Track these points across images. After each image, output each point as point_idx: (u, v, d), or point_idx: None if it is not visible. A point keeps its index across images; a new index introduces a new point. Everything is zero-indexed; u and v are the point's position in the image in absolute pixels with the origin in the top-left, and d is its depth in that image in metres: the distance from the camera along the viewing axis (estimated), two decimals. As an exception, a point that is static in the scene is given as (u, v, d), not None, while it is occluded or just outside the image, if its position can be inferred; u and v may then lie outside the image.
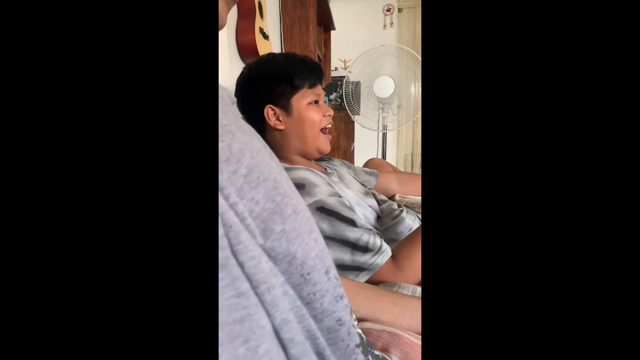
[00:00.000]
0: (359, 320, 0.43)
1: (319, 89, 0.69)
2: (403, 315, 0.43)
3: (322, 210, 0.56)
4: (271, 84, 0.66)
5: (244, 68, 0.70)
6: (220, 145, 0.21)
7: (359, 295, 0.44)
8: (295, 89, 0.66)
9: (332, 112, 0.71)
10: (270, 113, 0.67)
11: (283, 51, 1.68)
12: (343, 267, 0.55)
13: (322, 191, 0.59)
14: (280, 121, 0.67)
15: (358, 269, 0.54)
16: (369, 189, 0.78)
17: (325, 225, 0.56)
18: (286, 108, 0.67)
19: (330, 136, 0.72)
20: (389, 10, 3.11)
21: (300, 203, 0.25)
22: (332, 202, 0.58)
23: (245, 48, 1.19)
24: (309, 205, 0.56)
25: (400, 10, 3.09)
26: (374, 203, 0.70)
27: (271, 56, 0.68)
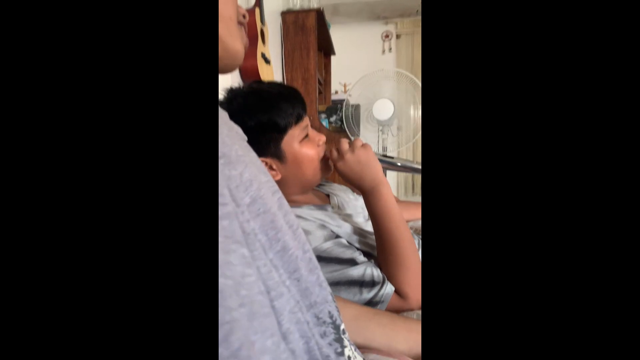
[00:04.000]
0: (371, 349, 0.42)
1: (306, 119, 0.61)
2: (419, 343, 0.42)
3: (320, 259, 0.54)
4: (254, 135, 0.54)
5: None
6: (234, 172, 0.23)
7: (372, 322, 0.43)
8: (282, 132, 0.58)
9: (324, 138, 0.65)
10: None
11: (284, 75, 1.72)
12: None
13: (316, 237, 0.57)
14: (275, 170, 0.60)
15: (372, 304, 0.53)
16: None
17: (328, 272, 0.54)
18: (278, 156, 0.59)
19: (328, 158, 0.65)
20: (387, 36, 3.20)
21: (292, 240, 0.26)
22: (328, 247, 0.56)
23: (248, 72, 1.22)
24: None
25: (398, 36, 3.18)
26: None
27: (241, 100, 0.57)
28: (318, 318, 0.26)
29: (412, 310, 0.54)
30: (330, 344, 0.26)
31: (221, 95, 0.61)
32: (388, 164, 0.69)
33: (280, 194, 0.29)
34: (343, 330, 0.28)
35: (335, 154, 0.61)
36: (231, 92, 0.60)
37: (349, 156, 0.59)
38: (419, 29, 3.09)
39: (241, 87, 0.60)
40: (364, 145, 0.60)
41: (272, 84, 0.60)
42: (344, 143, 0.61)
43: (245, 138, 0.33)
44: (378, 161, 0.60)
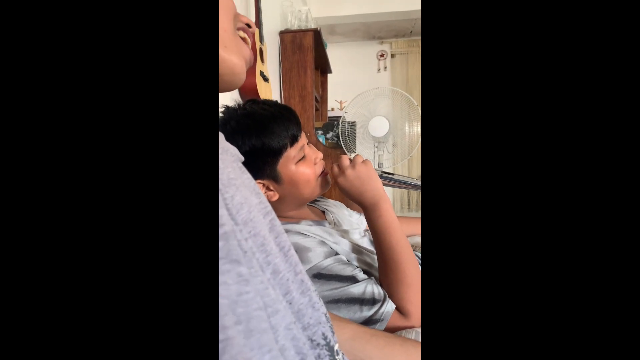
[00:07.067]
0: None
1: (302, 139, 0.61)
2: None
3: (321, 276, 0.55)
4: (248, 159, 0.51)
5: None
6: (226, 195, 0.23)
7: (369, 344, 0.43)
8: (277, 155, 0.57)
9: (321, 155, 0.64)
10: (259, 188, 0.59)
11: (282, 92, 1.75)
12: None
13: (316, 254, 0.56)
14: (272, 191, 0.61)
15: (372, 322, 0.53)
16: (365, 230, 0.77)
17: (328, 290, 0.54)
18: (274, 177, 0.59)
19: (327, 173, 0.65)
20: (382, 55, 3.28)
21: (283, 263, 0.27)
22: (328, 264, 0.56)
23: (247, 90, 1.24)
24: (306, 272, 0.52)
25: (393, 55, 3.26)
26: (370, 247, 0.69)
27: (234, 124, 0.56)
28: (312, 340, 0.26)
29: (413, 327, 0.53)
30: None
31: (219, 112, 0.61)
32: (388, 180, 0.70)
33: (272, 215, 0.29)
34: (337, 351, 0.28)
35: (336, 169, 0.62)
36: (226, 112, 0.60)
37: (349, 172, 0.59)
38: (413, 49, 3.17)
39: (236, 107, 0.60)
40: (364, 162, 0.61)
41: (266, 105, 0.59)
42: (345, 159, 0.61)
43: (241, 159, 0.32)
44: (378, 177, 0.60)
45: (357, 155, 0.62)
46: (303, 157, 0.61)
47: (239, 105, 0.60)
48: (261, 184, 0.60)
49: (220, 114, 0.61)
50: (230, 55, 0.27)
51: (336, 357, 0.27)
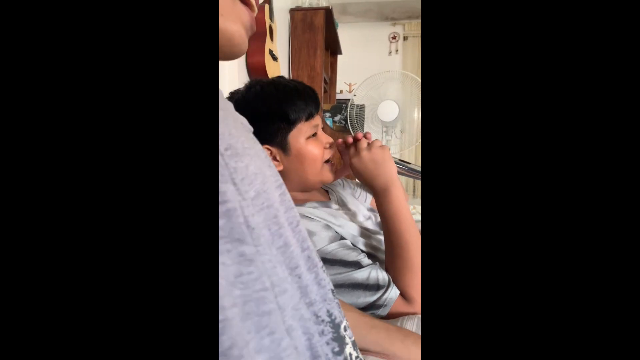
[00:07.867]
0: (368, 352, 0.43)
1: (317, 119, 0.63)
2: None
3: (325, 261, 0.55)
4: (264, 122, 0.58)
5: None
6: (240, 165, 0.22)
7: (369, 335, 0.44)
8: (291, 124, 0.60)
9: (332, 141, 0.66)
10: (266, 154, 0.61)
11: (290, 72, 1.72)
12: (361, 310, 0.54)
13: (321, 239, 0.56)
14: (278, 161, 0.62)
15: (374, 307, 0.53)
16: (368, 209, 0.77)
17: (332, 275, 0.54)
18: (283, 147, 0.61)
19: (333, 164, 0.66)
20: (394, 37, 3.20)
21: (292, 237, 0.26)
22: (332, 249, 0.56)
23: (255, 68, 1.22)
24: None
25: (405, 38, 3.17)
26: (376, 228, 0.69)
27: (259, 88, 0.60)
28: (317, 316, 0.26)
29: (415, 314, 0.54)
30: (327, 343, 0.26)
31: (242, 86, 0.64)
32: (403, 167, 0.69)
33: (283, 188, 0.28)
34: (345, 327, 0.27)
35: (352, 149, 0.62)
36: (253, 80, 0.63)
37: (365, 153, 0.60)
38: (427, 32, 3.08)
39: (263, 78, 0.63)
40: (382, 146, 0.61)
41: (293, 81, 0.62)
42: (363, 141, 0.62)
43: (251, 129, 0.32)
44: (394, 163, 0.60)
45: (376, 139, 0.62)
46: (314, 135, 0.63)
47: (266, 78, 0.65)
48: (269, 150, 0.62)
49: (242, 87, 0.64)
50: (226, 23, 0.25)
51: (344, 334, 0.27)
